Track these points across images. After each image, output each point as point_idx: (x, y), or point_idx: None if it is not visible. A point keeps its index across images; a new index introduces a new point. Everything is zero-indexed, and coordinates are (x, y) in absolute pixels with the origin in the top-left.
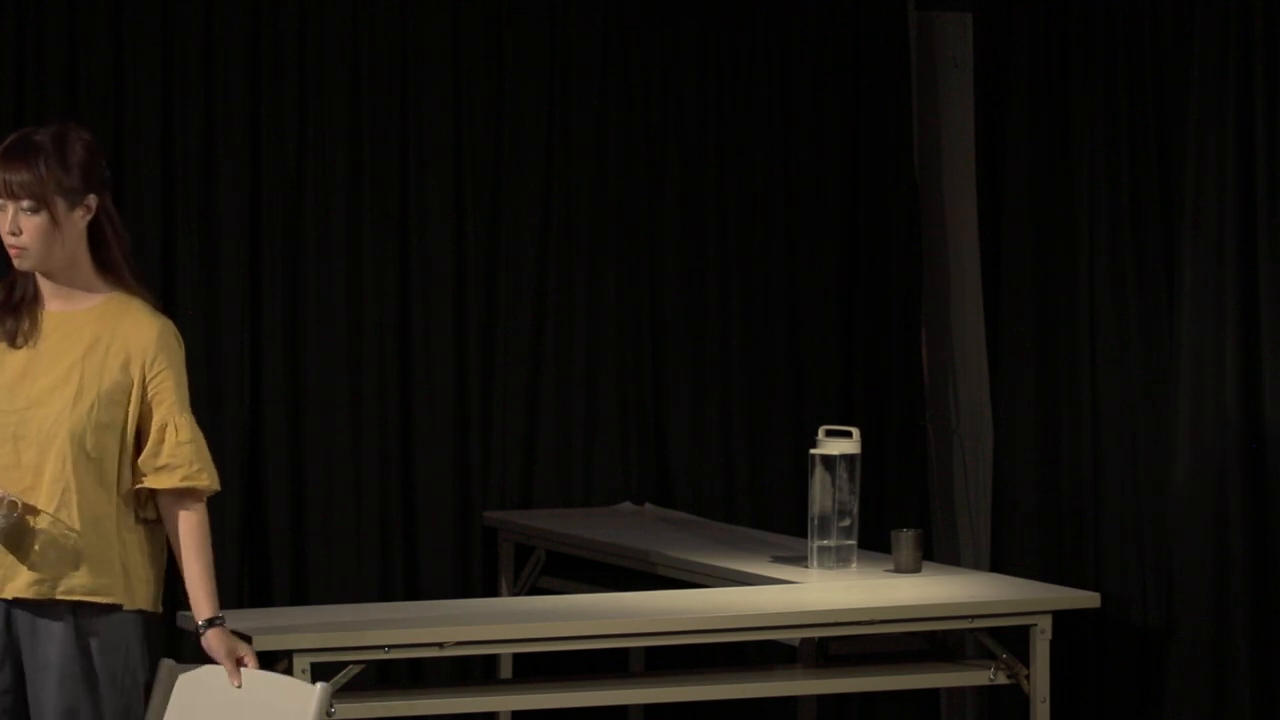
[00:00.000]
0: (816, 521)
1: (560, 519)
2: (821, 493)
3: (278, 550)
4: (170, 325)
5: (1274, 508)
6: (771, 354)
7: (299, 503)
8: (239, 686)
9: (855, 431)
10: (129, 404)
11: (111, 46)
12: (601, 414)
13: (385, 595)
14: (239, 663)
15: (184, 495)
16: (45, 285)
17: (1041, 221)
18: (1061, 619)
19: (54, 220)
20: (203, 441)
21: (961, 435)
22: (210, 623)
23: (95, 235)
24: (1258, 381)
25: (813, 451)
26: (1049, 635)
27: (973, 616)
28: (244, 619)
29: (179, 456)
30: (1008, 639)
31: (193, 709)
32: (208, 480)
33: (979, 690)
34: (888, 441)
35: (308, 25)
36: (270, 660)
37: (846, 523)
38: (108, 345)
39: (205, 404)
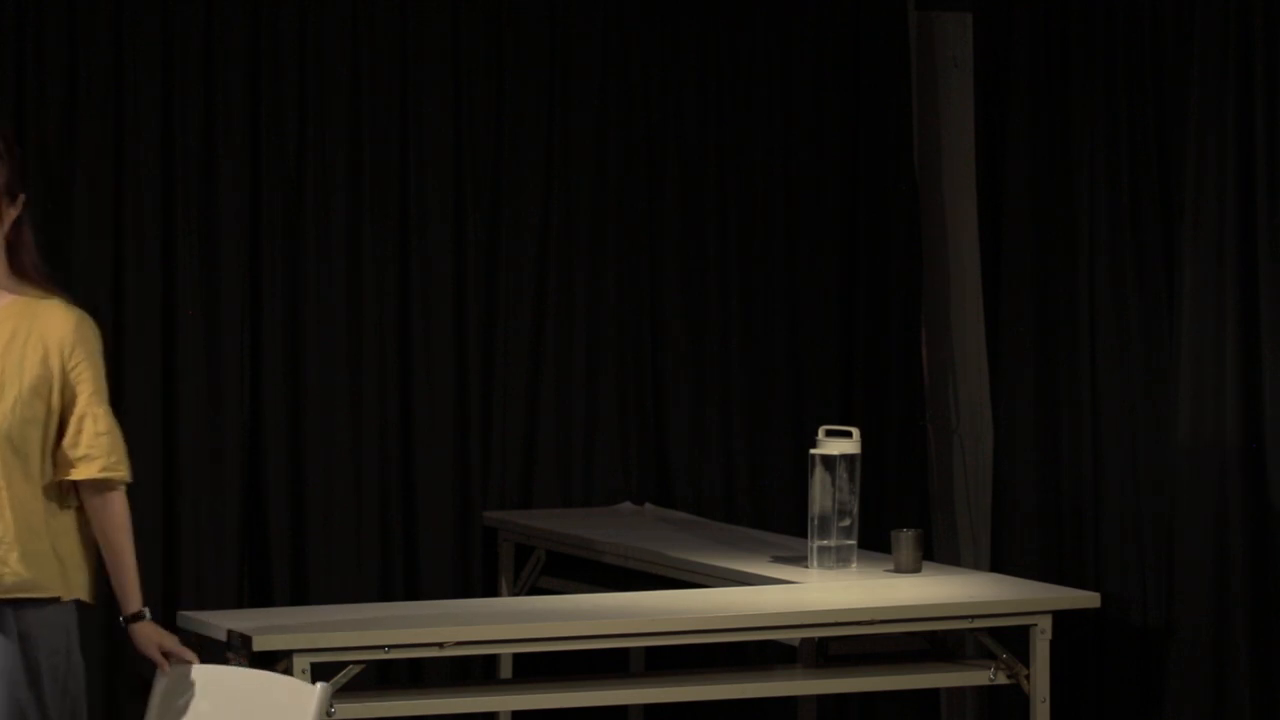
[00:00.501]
0: (816, 521)
1: (560, 519)
2: (821, 493)
3: (278, 550)
4: (87, 319)
5: (1274, 508)
6: (771, 354)
7: (299, 503)
8: (166, 676)
9: (855, 431)
10: (50, 395)
11: (111, 46)
12: (601, 414)
13: (385, 595)
14: (166, 655)
15: (103, 486)
16: None
17: (1041, 221)
18: (1061, 619)
19: None
20: (119, 434)
21: (961, 435)
22: (138, 616)
23: (15, 235)
24: (1258, 381)
25: (813, 451)
26: (1049, 635)
27: (973, 616)
28: (244, 619)
29: (98, 447)
30: (1008, 639)
31: (191, 709)
32: (124, 472)
33: (979, 690)
34: (888, 441)
35: (308, 25)
36: (270, 660)
37: (846, 523)
38: (24, 340)
39: (205, 404)
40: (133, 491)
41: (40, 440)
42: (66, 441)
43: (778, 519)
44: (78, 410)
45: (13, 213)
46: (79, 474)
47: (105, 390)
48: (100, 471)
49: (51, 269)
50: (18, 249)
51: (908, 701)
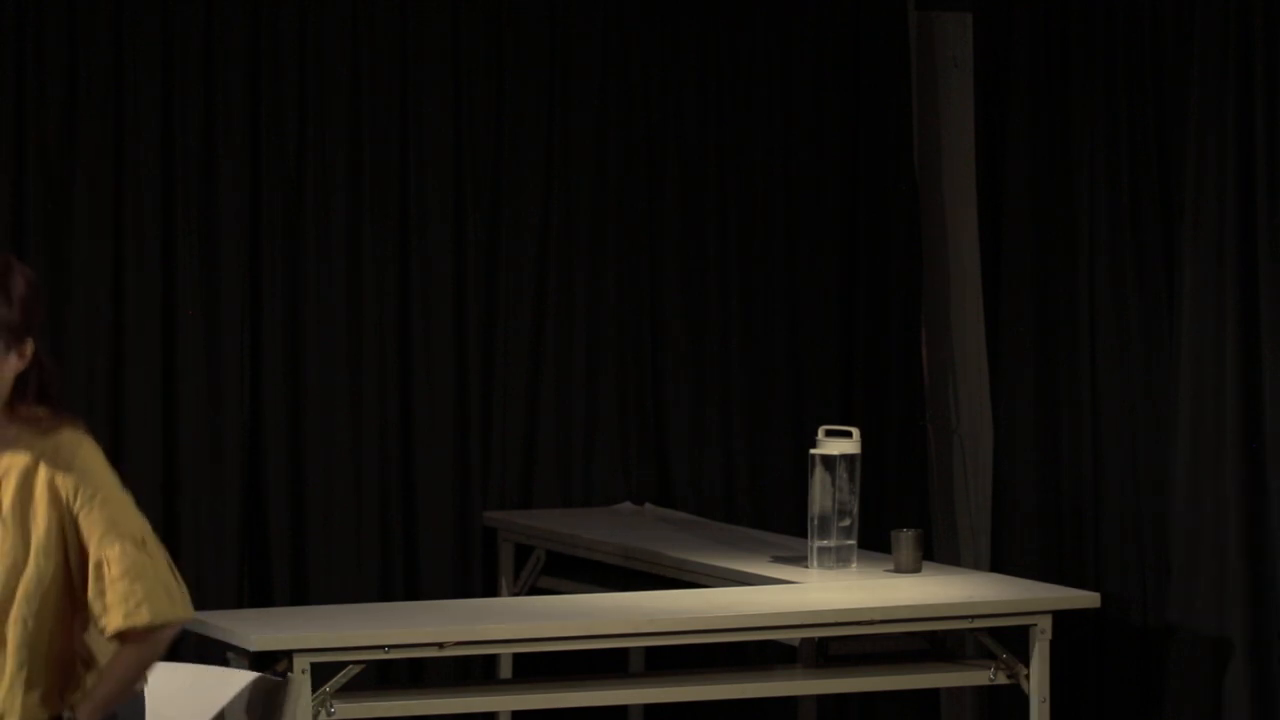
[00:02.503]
0: (816, 521)
1: (560, 519)
2: (821, 493)
3: (278, 550)
4: (83, 439)
5: (1274, 507)
6: (771, 354)
7: (299, 503)
8: None
9: (855, 431)
10: (66, 544)
11: (111, 46)
12: (601, 414)
13: (385, 595)
14: None
15: (130, 636)
16: None
17: (1041, 221)
18: (1061, 619)
19: None
20: (144, 565)
21: (961, 435)
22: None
23: (18, 385)
24: (1258, 381)
25: (813, 451)
26: (1049, 635)
27: (973, 616)
28: (244, 619)
29: (114, 594)
30: (1008, 639)
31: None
32: (148, 615)
33: (979, 690)
34: (888, 441)
35: (308, 25)
36: (270, 660)
37: (846, 523)
38: (33, 489)
39: (205, 404)
40: (133, 491)
41: (76, 593)
42: (91, 592)
43: (778, 519)
44: (93, 557)
45: (17, 364)
46: (108, 629)
47: (121, 516)
48: (124, 621)
49: (60, 401)
50: (19, 396)
51: (908, 701)
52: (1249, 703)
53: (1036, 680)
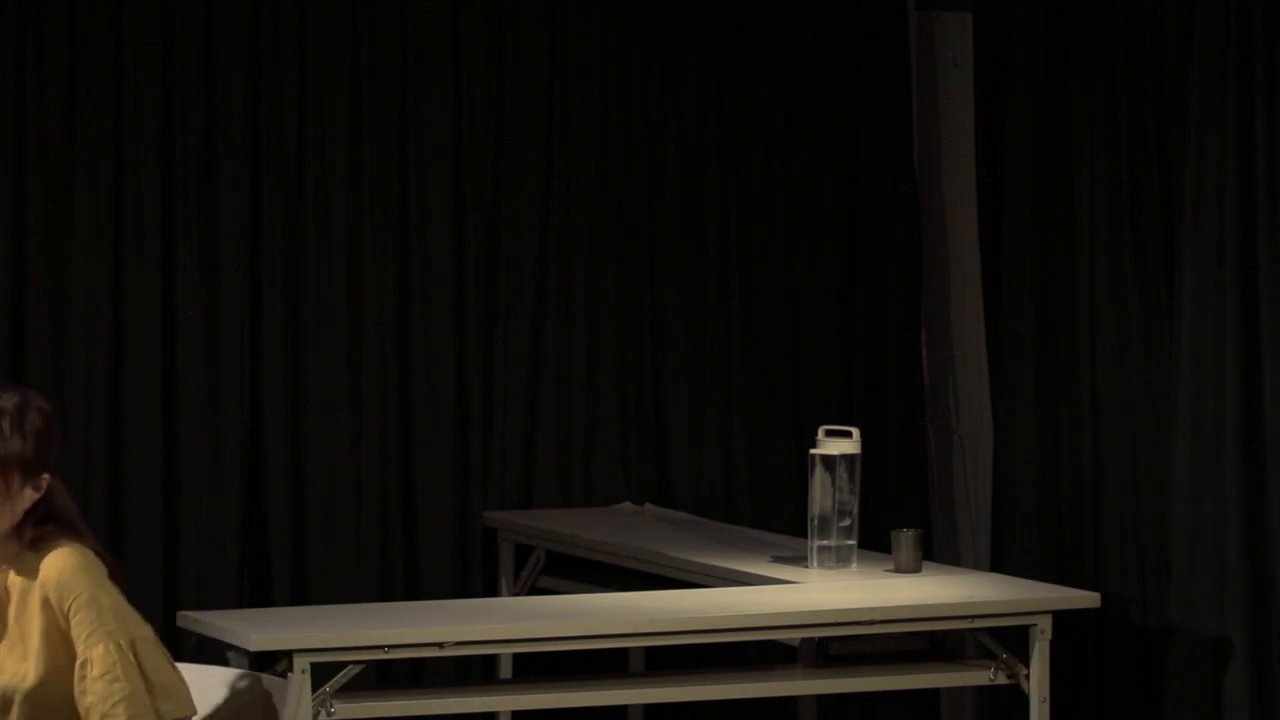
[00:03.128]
0: (816, 521)
1: (560, 519)
2: (821, 493)
3: (278, 550)
4: (76, 551)
5: (1274, 507)
6: (771, 354)
7: (299, 503)
8: None
9: (855, 431)
10: (60, 649)
11: (111, 46)
12: (601, 414)
13: (385, 595)
14: None
15: None
16: None
17: (1041, 221)
18: (1061, 619)
19: (6, 492)
20: (127, 665)
21: (961, 435)
22: None
23: (29, 511)
24: (1258, 381)
25: (813, 451)
26: (1049, 635)
27: (973, 616)
28: (244, 619)
29: (94, 693)
30: (1008, 639)
31: None
32: (124, 713)
33: (979, 690)
34: (888, 441)
35: (308, 25)
36: (270, 660)
37: (846, 523)
38: (29, 599)
39: (205, 404)
40: (133, 491)
41: (69, 702)
42: (76, 693)
43: (778, 519)
44: (79, 658)
45: (33, 495)
46: None
47: (110, 623)
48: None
49: (75, 519)
50: (30, 523)
51: (908, 701)
52: (1249, 703)
53: (1036, 680)
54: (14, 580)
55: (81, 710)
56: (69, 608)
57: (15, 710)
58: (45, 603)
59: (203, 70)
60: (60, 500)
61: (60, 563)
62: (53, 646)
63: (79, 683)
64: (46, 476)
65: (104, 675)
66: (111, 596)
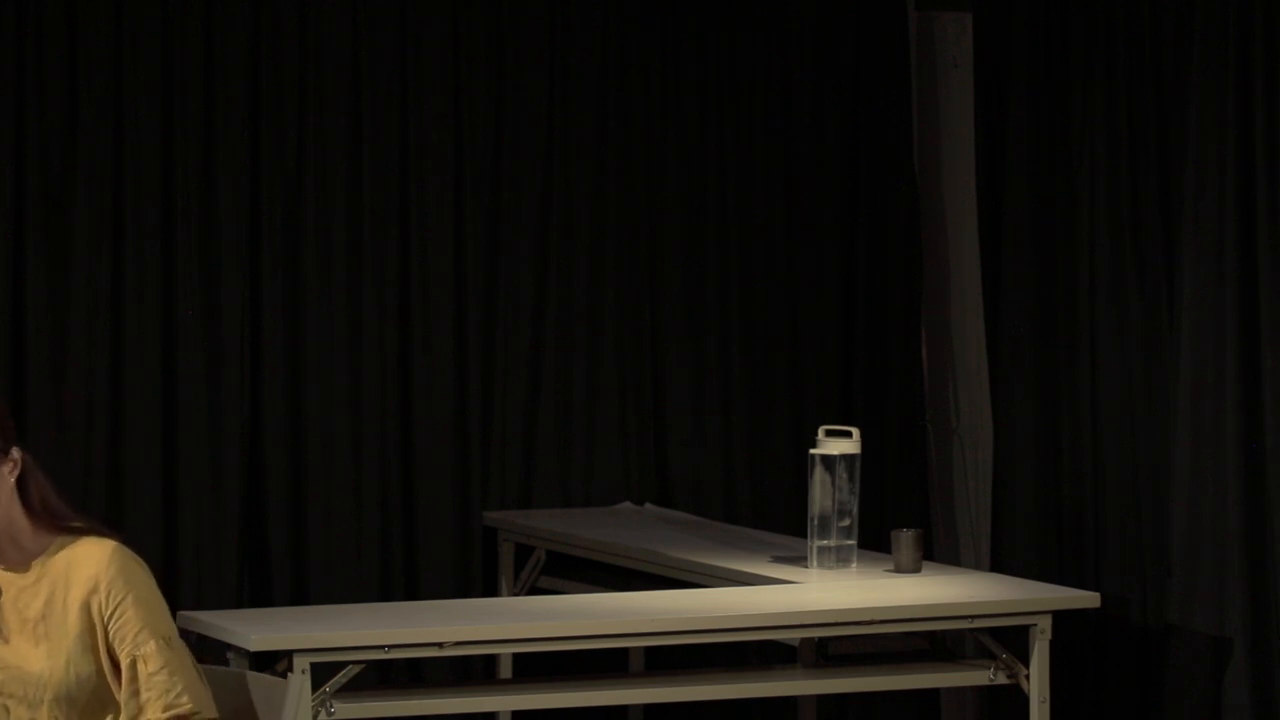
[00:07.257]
0: (816, 521)
1: (560, 519)
2: (821, 493)
3: (277, 550)
4: (119, 548)
5: (1274, 508)
6: (771, 354)
7: (299, 503)
8: None
9: (855, 431)
10: (99, 649)
11: (111, 49)
12: (601, 414)
13: (385, 595)
14: None
15: None
16: None
17: (1041, 221)
18: (1061, 619)
19: None
20: (180, 660)
21: (961, 435)
22: None
23: (24, 490)
24: (1257, 381)
25: (813, 451)
26: (1049, 635)
27: (973, 616)
28: (244, 619)
29: (154, 688)
30: (1007, 639)
31: None
32: (189, 702)
33: (979, 690)
34: (888, 441)
35: (308, 25)
36: (270, 660)
37: (846, 523)
38: (64, 596)
39: (205, 405)
40: (133, 491)
41: (102, 694)
42: (125, 693)
43: (778, 519)
44: (126, 658)
45: (14, 471)
46: (146, 717)
47: (156, 619)
48: (164, 712)
49: (72, 507)
50: (33, 504)
51: (908, 701)
52: (1249, 703)
53: (1036, 680)
54: (41, 570)
55: (132, 709)
56: (113, 608)
57: (45, 710)
58: (86, 604)
59: (203, 70)
60: (44, 482)
61: (102, 557)
62: (87, 647)
63: (129, 683)
64: (16, 451)
65: (162, 669)
66: (153, 592)
